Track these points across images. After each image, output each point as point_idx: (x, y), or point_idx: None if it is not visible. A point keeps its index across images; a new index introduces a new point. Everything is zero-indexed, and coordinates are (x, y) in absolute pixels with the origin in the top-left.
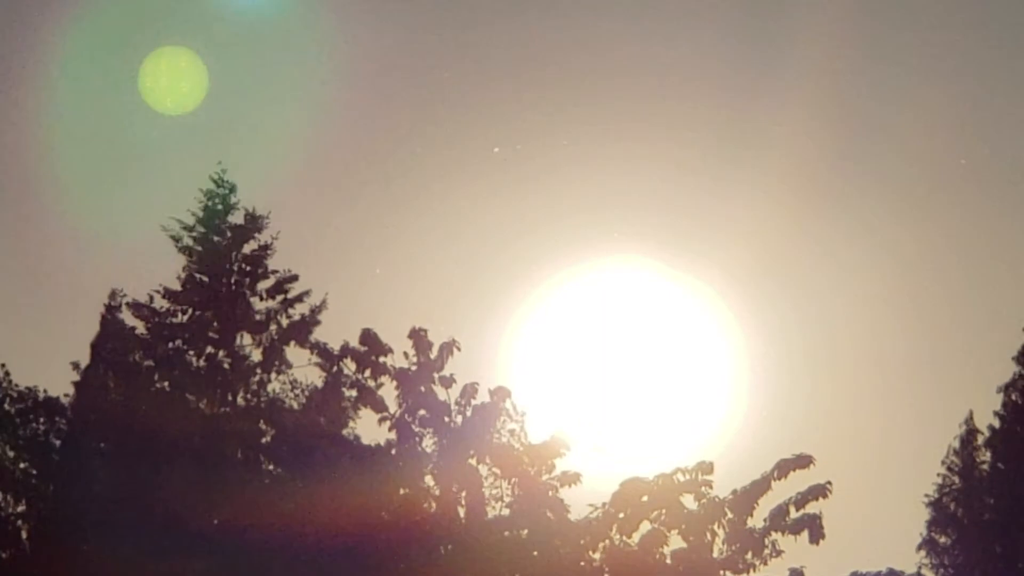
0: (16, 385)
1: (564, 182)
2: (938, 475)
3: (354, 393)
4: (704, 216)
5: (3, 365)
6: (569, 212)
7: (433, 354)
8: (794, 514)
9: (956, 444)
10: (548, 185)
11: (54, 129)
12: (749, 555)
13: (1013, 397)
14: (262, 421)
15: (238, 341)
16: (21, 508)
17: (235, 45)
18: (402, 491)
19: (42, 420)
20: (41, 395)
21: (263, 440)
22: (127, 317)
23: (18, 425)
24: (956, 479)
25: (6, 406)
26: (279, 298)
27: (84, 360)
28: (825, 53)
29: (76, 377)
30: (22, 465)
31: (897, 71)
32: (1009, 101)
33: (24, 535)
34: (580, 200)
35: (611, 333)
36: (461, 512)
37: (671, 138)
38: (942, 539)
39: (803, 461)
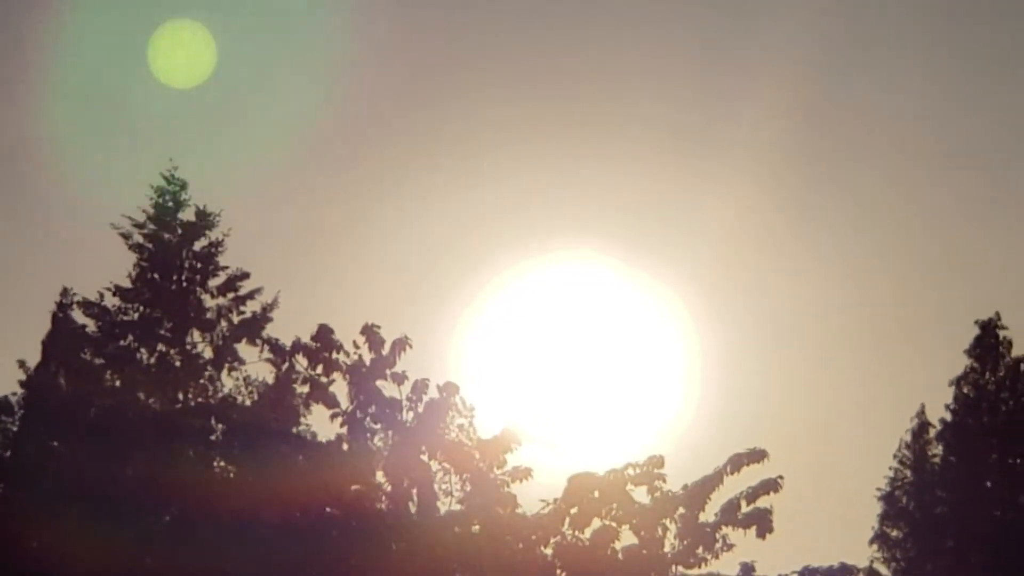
0: None
1: (519, 179)
2: (890, 468)
3: (306, 389)
4: (659, 214)
5: None
6: (524, 208)
7: (385, 351)
8: (745, 508)
9: (908, 438)
10: (503, 181)
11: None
12: (700, 550)
13: (964, 390)
14: (213, 418)
15: (189, 338)
16: None
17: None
18: (353, 487)
19: None
20: None
21: (214, 437)
22: (78, 315)
23: None
24: (908, 472)
25: None
26: (230, 295)
27: (34, 359)
28: (787, 57)
29: (23, 376)
30: None
31: (854, 78)
32: (963, 103)
33: None
34: (535, 196)
35: (564, 328)
36: (412, 508)
37: (629, 136)
38: (894, 533)
39: (756, 456)
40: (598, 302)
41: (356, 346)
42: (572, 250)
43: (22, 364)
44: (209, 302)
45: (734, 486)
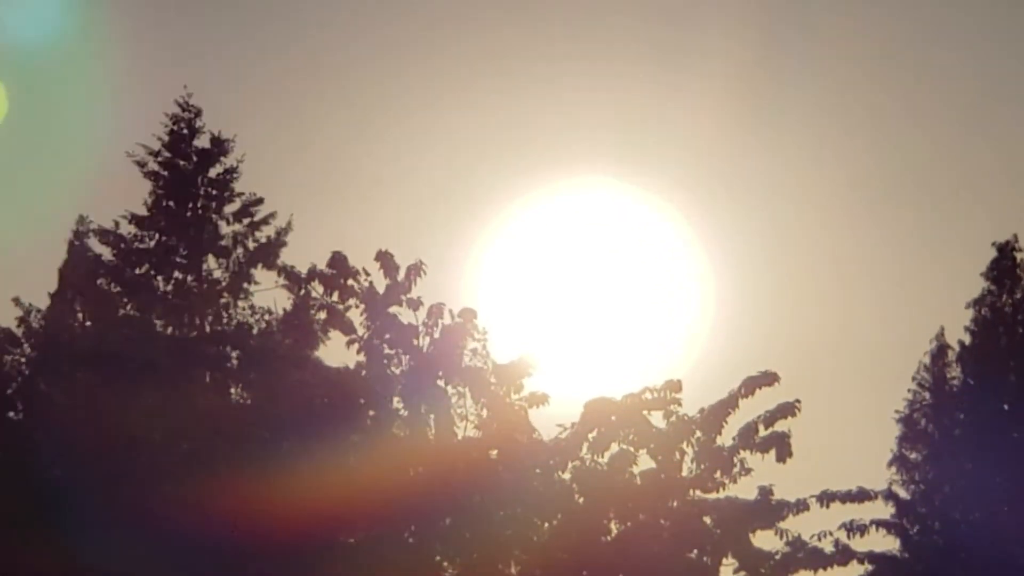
0: None
1: (524, 106)
2: (908, 391)
3: (322, 316)
4: (660, 133)
5: None
6: (530, 135)
7: (400, 276)
8: (763, 432)
9: (926, 360)
10: (509, 109)
11: None
12: (718, 473)
13: (983, 312)
14: (229, 345)
15: (205, 265)
16: None
17: None
18: (371, 413)
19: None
20: None
21: (230, 364)
22: (94, 244)
23: None
24: (926, 395)
25: None
26: (245, 221)
27: (51, 287)
28: None
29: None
30: None
31: None
32: None
33: None
34: (541, 122)
35: (575, 253)
36: (429, 433)
37: (619, 57)
38: (912, 455)
39: (768, 378)
40: (607, 226)
41: (367, 272)
42: (578, 176)
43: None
44: (225, 228)
45: (750, 410)
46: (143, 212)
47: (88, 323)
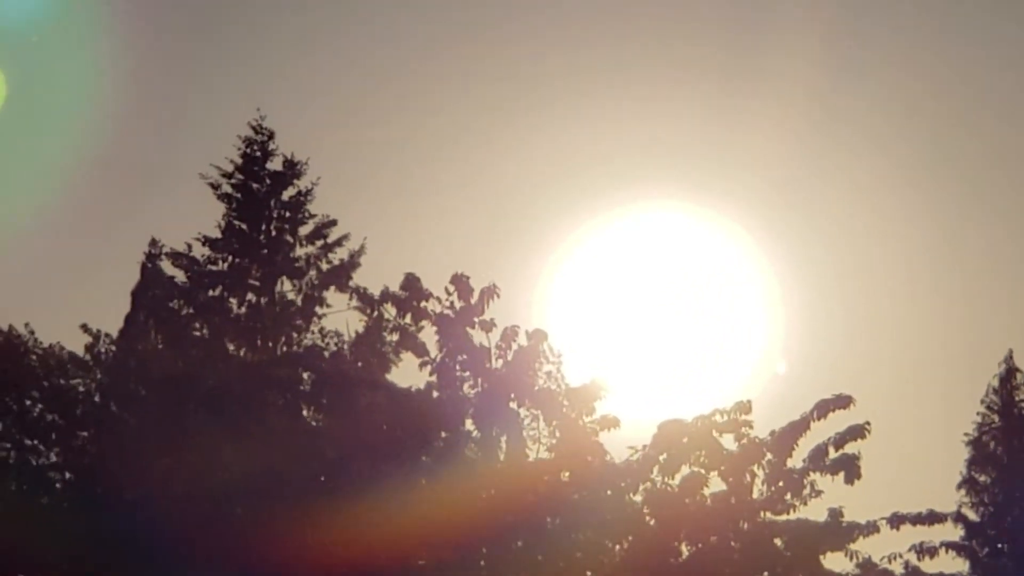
0: (40, 343)
1: (597, 130)
2: (977, 414)
3: (395, 337)
4: (731, 158)
5: (27, 324)
6: (603, 160)
7: (474, 299)
8: (833, 454)
9: (995, 383)
10: (581, 134)
11: None
12: (789, 496)
13: None
14: (302, 367)
15: (278, 287)
16: (54, 459)
17: None
18: (443, 435)
19: (68, 373)
20: (64, 353)
21: (303, 387)
22: (167, 266)
23: (41, 378)
24: (995, 417)
25: (32, 362)
26: (319, 243)
27: (124, 309)
28: None
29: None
30: (49, 417)
31: None
32: None
33: (58, 485)
34: (613, 147)
35: (645, 276)
36: (501, 455)
37: (682, 82)
38: (982, 478)
39: (842, 401)
40: (675, 249)
41: (448, 293)
42: (646, 200)
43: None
44: (298, 250)
45: (821, 432)
46: (215, 234)
47: (160, 345)
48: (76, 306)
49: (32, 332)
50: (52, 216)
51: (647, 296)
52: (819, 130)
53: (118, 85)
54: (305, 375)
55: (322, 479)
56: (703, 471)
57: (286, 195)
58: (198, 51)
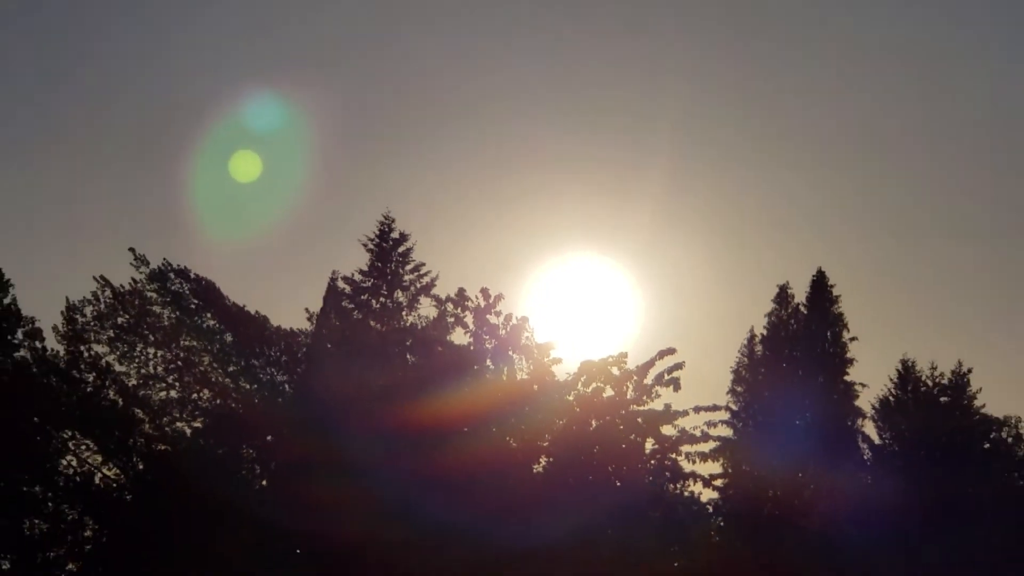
0: (255, 313)
1: (542, 209)
2: (737, 354)
3: (452, 320)
4: (613, 221)
5: (265, 316)
6: (550, 226)
7: (491, 300)
8: (666, 377)
9: (744, 342)
10: (541, 213)
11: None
12: (644, 397)
13: (772, 319)
14: (407, 336)
15: (396, 295)
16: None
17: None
18: (475, 367)
19: (282, 345)
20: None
21: (408, 344)
22: (340, 283)
23: (276, 341)
24: (745, 360)
25: (270, 330)
26: (415, 274)
27: (316, 307)
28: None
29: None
30: (283, 358)
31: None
32: None
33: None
34: (556, 220)
35: (576, 287)
36: (503, 377)
37: (592, 173)
38: (739, 388)
39: (669, 350)
40: (590, 274)
41: (477, 297)
42: (573, 248)
43: (307, 310)
44: (406, 277)
45: (662, 365)
46: (364, 268)
47: (336, 322)
48: (291, 296)
49: (266, 318)
50: (278, 240)
51: (578, 297)
52: (668, 211)
53: (314, 168)
54: (408, 341)
55: (418, 393)
56: (602, 384)
57: (400, 248)
58: (356, 157)
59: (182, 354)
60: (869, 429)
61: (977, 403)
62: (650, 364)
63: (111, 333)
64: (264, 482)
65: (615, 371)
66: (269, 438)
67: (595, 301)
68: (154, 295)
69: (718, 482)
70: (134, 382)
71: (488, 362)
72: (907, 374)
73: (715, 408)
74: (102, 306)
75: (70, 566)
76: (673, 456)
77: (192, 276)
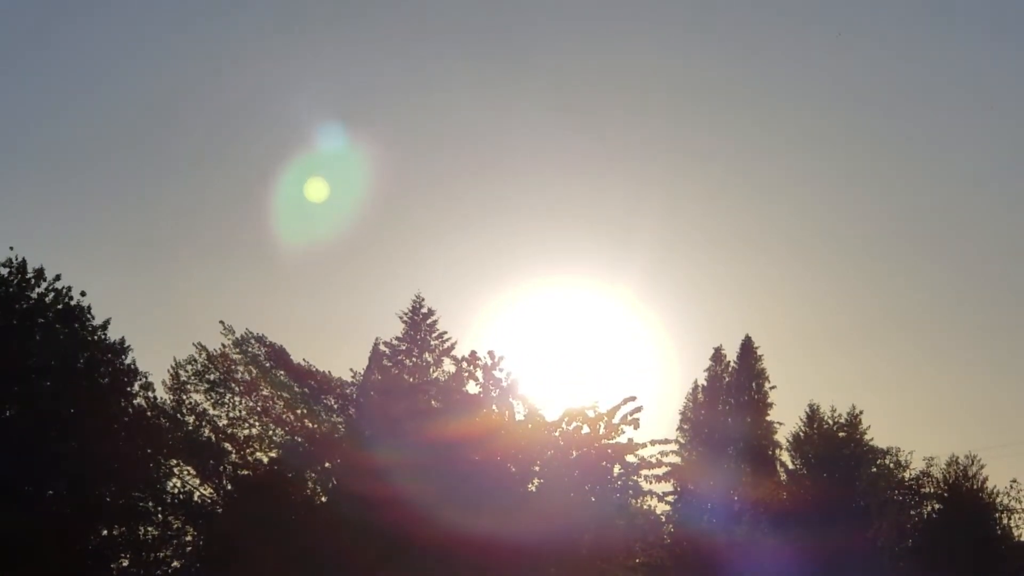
0: (315, 369)
1: (536, 236)
2: (685, 399)
3: (466, 375)
4: (611, 252)
5: (324, 372)
6: (533, 249)
7: (496, 360)
8: (628, 417)
9: (690, 391)
10: (526, 238)
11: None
12: (612, 433)
13: (711, 373)
14: (432, 387)
15: (424, 356)
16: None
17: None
18: (484, 410)
19: (337, 392)
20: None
21: (432, 394)
22: (382, 347)
23: (317, 397)
24: (691, 405)
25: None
26: (438, 339)
27: (363, 364)
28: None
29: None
30: (321, 420)
31: None
32: None
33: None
34: (540, 241)
35: (565, 319)
36: (505, 417)
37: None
38: (686, 427)
39: (631, 398)
40: (580, 299)
41: (485, 356)
42: (563, 274)
43: (352, 370)
44: (432, 343)
45: (625, 408)
46: (400, 334)
47: (379, 376)
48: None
49: (307, 360)
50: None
51: (562, 327)
52: (654, 264)
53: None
54: (432, 390)
55: (439, 428)
56: (581, 423)
57: (428, 321)
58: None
59: (261, 401)
60: (785, 457)
61: (867, 437)
62: (617, 408)
63: (206, 385)
64: (324, 498)
65: (590, 414)
66: (327, 464)
67: (581, 355)
68: (239, 356)
69: (669, 498)
70: (224, 422)
71: (494, 406)
72: (813, 415)
73: (667, 441)
74: (199, 365)
75: (175, 563)
76: (635, 478)
77: (267, 342)
